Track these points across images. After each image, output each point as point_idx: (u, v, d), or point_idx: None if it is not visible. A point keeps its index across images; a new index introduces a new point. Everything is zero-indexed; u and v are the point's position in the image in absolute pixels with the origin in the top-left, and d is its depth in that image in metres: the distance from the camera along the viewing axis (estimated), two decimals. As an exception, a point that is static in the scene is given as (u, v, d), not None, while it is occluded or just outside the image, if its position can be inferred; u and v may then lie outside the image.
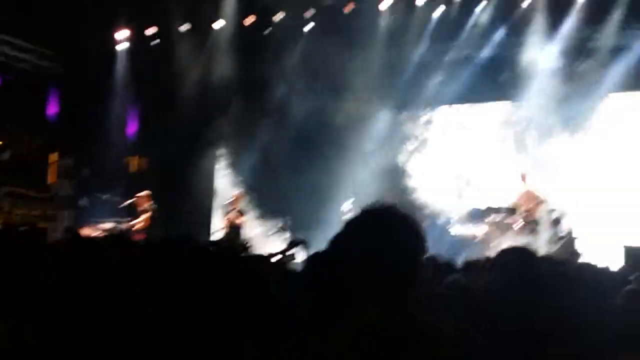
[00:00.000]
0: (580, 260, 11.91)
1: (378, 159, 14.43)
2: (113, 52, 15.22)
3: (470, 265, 5.79)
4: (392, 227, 2.13)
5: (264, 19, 14.61)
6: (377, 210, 2.20)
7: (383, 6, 14.06)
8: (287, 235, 13.15)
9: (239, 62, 14.86)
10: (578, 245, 12.36)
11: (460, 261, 9.97)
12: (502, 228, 12.55)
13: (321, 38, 13.69)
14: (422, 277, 2.18)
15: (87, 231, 13.63)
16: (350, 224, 2.20)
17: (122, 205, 13.55)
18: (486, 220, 12.83)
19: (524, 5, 13.50)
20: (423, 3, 13.93)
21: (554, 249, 12.30)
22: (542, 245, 12.09)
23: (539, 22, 13.40)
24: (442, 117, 15.11)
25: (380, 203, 2.24)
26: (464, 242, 13.01)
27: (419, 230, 2.18)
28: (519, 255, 3.46)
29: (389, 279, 2.06)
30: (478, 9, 13.92)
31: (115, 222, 13.40)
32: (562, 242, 12.35)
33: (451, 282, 4.03)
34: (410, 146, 15.28)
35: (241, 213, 13.73)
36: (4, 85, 14.91)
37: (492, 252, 11.80)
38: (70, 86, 15.64)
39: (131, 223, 13.26)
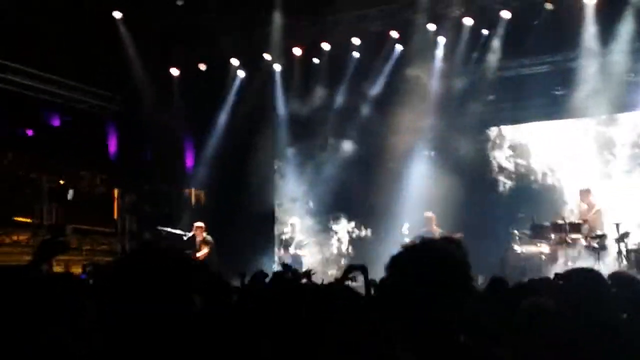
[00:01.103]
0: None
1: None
2: (168, 89, 15.50)
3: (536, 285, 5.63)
4: (435, 263, 2.30)
5: (312, 51, 14.71)
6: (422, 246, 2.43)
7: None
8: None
9: (293, 92, 15.06)
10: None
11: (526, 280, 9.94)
12: (568, 245, 12.19)
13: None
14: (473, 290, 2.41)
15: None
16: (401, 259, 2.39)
17: (184, 238, 13.71)
18: (552, 237, 12.48)
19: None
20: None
21: (622, 264, 11.93)
22: (609, 261, 11.73)
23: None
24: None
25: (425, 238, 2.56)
26: (530, 261, 12.70)
27: (462, 257, 2.37)
28: (586, 278, 3.35)
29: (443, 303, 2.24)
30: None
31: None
32: (630, 257, 11.95)
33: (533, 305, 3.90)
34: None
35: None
36: (64, 126, 15.38)
37: (558, 270, 11.59)
38: (128, 124, 16.03)
39: (192, 254, 13.38)
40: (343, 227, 16.11)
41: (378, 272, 2.90)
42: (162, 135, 15.65)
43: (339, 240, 16.12)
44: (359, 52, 14.53)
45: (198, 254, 13.37)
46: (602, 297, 3.25)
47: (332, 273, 15.25)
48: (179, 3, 13.48)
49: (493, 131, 15.28)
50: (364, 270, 5.55)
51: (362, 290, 5.22)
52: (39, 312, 2.83)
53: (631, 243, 12.33)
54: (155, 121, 15.52)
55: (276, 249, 15.85)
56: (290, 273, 7.31)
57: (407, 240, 12.90)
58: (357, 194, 15.25)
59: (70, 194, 13.43)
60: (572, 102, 13.29)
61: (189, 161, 16.85)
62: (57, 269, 13.18)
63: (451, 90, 14.22)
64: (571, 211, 13.04)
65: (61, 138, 15.27)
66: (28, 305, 2.83)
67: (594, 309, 3.21)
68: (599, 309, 3.20)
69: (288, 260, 13.53)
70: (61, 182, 15.36)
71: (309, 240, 14.92)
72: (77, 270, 13.93)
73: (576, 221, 12.37)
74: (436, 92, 14.13)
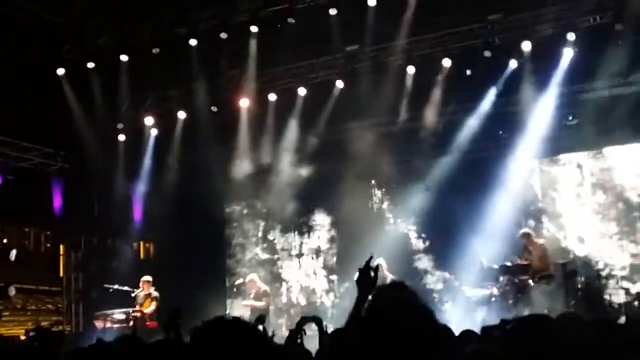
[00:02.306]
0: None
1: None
2: (114, 144, 15.36)
3: (487, 332, 5.68)
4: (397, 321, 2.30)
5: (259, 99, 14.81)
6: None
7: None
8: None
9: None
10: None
11: (477, 322, 9.98)
12: (518, 286, 12.35)
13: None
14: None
15: (99, 323, 13.52)
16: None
17: (133, 294, 13.44)
18: (501, 279, 12.63)
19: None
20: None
21: (572, 302, 12.16)
22: (560, 299, 11.92)
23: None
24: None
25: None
26: (480, 302, 12.81)
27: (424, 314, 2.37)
28: (534, 326, 3.38)
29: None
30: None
31: (125, 312, 13.25)
32: (577, 295, 12.19)
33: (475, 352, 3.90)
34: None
35: (263, 295, 13.67)
36: (6, 184, 15.05)
37: (510, 312, 11.71)
38: (73, 180, 15.79)
39: (139, 311, 13.10)
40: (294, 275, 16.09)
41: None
42: (108, 189, 15.43)
43: (288, 289, 16.06)
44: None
45: (145, 310, 13.11)
46: (549, 345, 3.26)
47: (282, 322, 15.15)
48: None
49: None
50: (318, 322, 5.46)
51: (315, 342, 5.15)
52: None
53: (578, 282, 12.68)
54: (101, 175, 15.34)
55: (227, 301, 15.66)
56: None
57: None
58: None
59: (13, 254, 13.10)
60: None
61: (137, 214, 16.62)
62: (1, 330, 12.80)
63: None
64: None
65: (4, 196, 14.93)
66: None
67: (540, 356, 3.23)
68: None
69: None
70: (4, 240, 15.00)
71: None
72: (20, 331, 13.53)
73: (523, 262, 12.56)
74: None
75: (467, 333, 5.58)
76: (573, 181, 14.00)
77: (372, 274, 3.63)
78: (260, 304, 13.47)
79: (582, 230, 13.65)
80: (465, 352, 3.90)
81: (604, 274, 13.23)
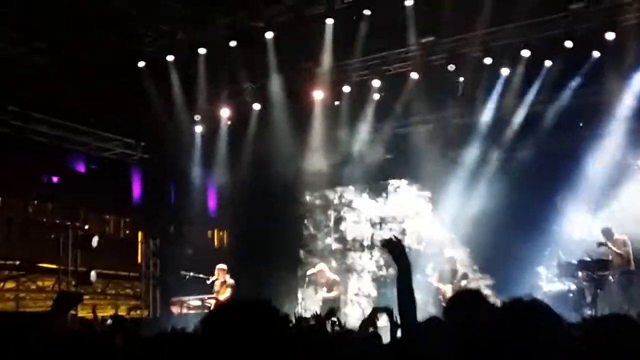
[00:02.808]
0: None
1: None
2: (191, 135, 15.69)
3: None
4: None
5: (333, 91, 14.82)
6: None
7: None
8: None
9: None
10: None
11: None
12: (597, 282, 12.00)
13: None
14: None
15: (175, 309, 13.89)
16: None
17: (208, 281, 13.70)
18: (579, 274, 12.31)
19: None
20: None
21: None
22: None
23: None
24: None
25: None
26: (557, 298, 12.52)
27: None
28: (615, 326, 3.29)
29: None
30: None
31: (200, 299, 13.55)
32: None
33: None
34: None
35: (334, 284, 13.73)
36: (89, 173, 15.61)
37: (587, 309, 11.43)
38: (152, 169, 16.23)
39: (215, 298, 13.36)
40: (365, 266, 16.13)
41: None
42: (185, 179, 15.79)
43: (359, 280, 16.13)
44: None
45: (220, 297, 13.35)
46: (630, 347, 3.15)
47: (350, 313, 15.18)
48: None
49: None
50: (389, 312, 5.44)
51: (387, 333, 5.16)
52: None
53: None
54: (178, 166, 15.70)
55: (299, 290, 15.80)
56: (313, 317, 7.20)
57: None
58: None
59: (95, 240, 13.57)
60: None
61: (213, 203, 16.95)
62: (82, 313, 13.31)
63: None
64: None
65: (86, 184, 15.49)
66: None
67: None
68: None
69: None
70: (86, 227, 15.55)
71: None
72: (103, 313, 14.02)
73: (604, 258, 12.20)
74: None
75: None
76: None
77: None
78: (332, 294, 13.53)
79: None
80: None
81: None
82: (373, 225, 16.21)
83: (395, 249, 4.00)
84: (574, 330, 5.50)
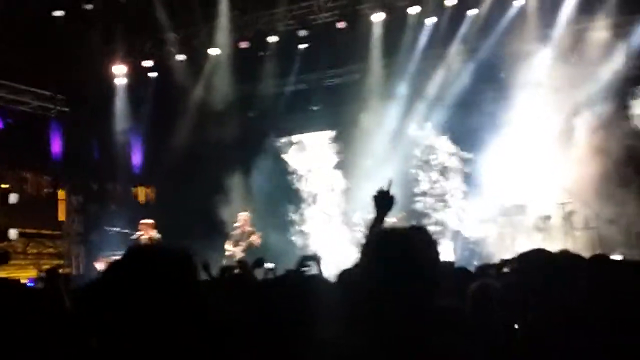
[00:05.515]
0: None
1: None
2: (112, 87, 15.26)
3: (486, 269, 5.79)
4: (410, 250, 2.33)
5: (258, 43, 14.65)
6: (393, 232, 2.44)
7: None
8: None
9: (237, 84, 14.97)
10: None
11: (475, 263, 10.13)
12: (515, 227, 12.48)
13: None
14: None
15: (100, 265, 13.68)
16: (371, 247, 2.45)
17: (132, 237, 13.53)
18: (498, 220, 12.76)
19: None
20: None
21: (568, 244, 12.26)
22: (557, 240, 12.04)
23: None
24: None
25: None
26: (477, 244, 12.97)
27: (433, 244, 2.40)
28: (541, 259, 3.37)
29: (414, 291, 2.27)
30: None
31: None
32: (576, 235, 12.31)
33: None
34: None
35: (254, 233, 13.74)
36: (6, 128, 15.00)
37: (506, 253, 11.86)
38: (72, 124, 15.74)
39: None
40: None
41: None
42: (107, 134, 15.41)
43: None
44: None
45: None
46: (556, 278, 3.25)
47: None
48: None
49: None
50: (317, 260, 5.53)
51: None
52: None
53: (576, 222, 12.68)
54: (100, 120, 15.29)
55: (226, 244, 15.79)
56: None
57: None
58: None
59: (12, 197, 13.13)
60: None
61: (137, 159, 16.64)
62: (1, 274, 12.92)
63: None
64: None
65: (3, 140, 14.90)
66: None
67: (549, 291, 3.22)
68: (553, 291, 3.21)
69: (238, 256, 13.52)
70: (3, 185, 15.00)
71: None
72: (25, 274, 13.66)
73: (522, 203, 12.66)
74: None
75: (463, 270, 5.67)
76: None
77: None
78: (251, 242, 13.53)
79: None
80: (471, 288, 3.99)
81: None
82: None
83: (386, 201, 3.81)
84: (490, 270, 5.74)
